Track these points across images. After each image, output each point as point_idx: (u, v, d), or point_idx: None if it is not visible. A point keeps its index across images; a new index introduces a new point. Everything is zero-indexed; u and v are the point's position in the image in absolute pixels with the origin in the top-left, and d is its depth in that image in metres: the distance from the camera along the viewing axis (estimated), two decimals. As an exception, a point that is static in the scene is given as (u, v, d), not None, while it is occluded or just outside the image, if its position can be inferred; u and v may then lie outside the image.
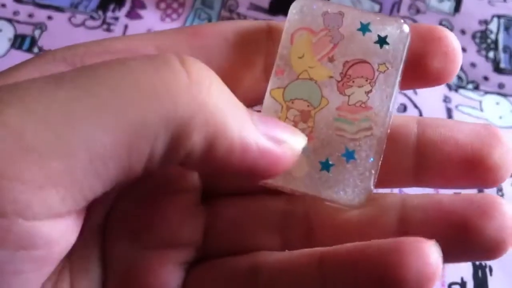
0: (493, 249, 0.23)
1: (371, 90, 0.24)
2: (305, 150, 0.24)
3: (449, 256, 0.23)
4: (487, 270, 0.48)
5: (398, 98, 0.59)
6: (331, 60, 0.25)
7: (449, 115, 0.58)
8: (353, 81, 0.24)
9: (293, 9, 0.25)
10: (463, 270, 0.48)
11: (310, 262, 0.24)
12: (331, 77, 0.24)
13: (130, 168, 0.19)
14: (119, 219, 0.26)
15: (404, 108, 0.58)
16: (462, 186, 0.25)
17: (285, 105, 0.24)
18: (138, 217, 0.26)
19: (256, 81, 0.26)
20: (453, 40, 0.24)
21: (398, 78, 0.24)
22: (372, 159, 0.24)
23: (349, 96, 0.24)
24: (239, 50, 0.25)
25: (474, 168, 0.24)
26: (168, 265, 0.26)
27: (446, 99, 0.59)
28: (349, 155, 0.24)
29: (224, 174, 0.23)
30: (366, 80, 0.24)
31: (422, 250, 0.22)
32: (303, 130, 0.24)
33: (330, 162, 0.24)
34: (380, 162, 0.24)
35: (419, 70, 0.24)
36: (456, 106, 0.59)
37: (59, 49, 0.23)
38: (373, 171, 0.24)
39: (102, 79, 0.19)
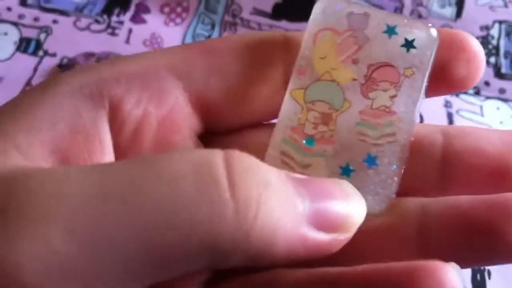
0: None
1: (396, 95, 0.23)
2: (324, 154, 0.23)
3: (470, 258, 0.22)
4: (486, 273, 0.48)
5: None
6: (355, 62, 0.24)
7: (450, 120, 0.58)
8: (378, 85, 0.23)
9: (316, 9, 0.24)
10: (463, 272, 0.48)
11: (326, 283, 0.24)
12: (354, 79, 0.24)
13: (162, 279, 0.19)
14: None
15: (405, 113, 0.58)
16: None
17: (306, 107, 0.23)
18: None
19: (275, 95, 0.25)
20: (476, 46, 0.24)
21: (425, 84, 0.23)
22: (395, 166, 0.23)
23: (372, 100, 0.23)
24: (255, 65, 0.24)
25: (501, 179, 0.23)
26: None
27: (447, 104, 0.60)
28: (371, 161, 0.23)
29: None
30: (391, 84, 0.23)
31: (439, 275, 0.20)
32: (323, 133, 0.23)
33: (351, 168, 0.23)
34: (403, 170, 0.23)
35: (442, 76, 0.24)
36: (457, 111, 0.59)
37: (72, 75, 0.23)
38: (395, 179, 0.23)
39: (147, 196, 0.18)
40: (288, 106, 0.24)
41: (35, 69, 0.58)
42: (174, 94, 0.23)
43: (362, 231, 0.24)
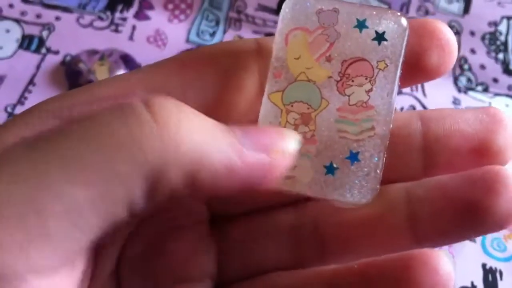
0: (503, 223, 0.23)
1: (371, 89, 0.23)
2: (308, 154, 0.23)
3: (460, 236, 0.23)
4: (497, 274, 0.47)
5: (407, 100, 0.59)
6: (328, 59, 0.24)
7: (459, 117, 0.58)
8: (353, 80, 0.23)
9: (285, 7, 0.24)
10: (473, 274, 0.47)
11: (323, 281, 0.24)
12: (330, 77, 0.24)
13: (112, 215, 0.19)
14: (131, 263, 0.26)
15: (413, 110, 0.58)
16: None
17: (285, 109, 0.24)
18: (150, 259, 0.26)
19: (252, 103, 0.25)
20: (448, 33, 0.24)
21: (398, 74, 0.23)
22: (376, 158, 0.23)
23: (349, 96, 0.24)
24: (230, 74, 0.24)
25: (481, 156, 0.24)
26: None
27: (456, 101, 0.59)
28: (353, 157, 0.23)
29: (219, 196, 0.22)
30: (366, 79, 0.23)
31: (433, 263, 0.22)
32: (305, 134, 0.24)
33: (335, 166, 0.23)
34: (384, 159, 0.24)
35: (416, 66, 0.24)
36: (466, 108, 0.58)
37: (46, 102, 0.23)
38: (378, 171, 0.23)
39: (72, 137, 0.19)
40: (267, 110, 0.24)
41: (38, 67, 0.57)
42: None
43: (353, 223, 0.25)
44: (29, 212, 0.18)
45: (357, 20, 0.24)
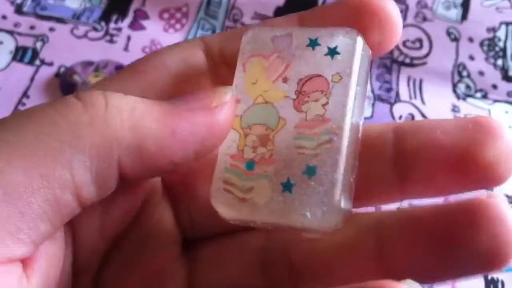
0: (485, 260, 0.20)
1: (327, 102, 0.23)
2: (266, 174, 0.23)
3: (438, 275, 0.21)
4: (499, 284, 0.47)
5: (405, 108, 0.58)
6: (285, 80, 0.24)
7: (458, 125, 0.57)
8: (309, 96, 0.23)
9: (244, 40, 0.25)
10: (475, 284, 0.47)
11: None
12: (286, 96, 0.24)
13: (59, 201, 0.20)
14: (105, 286, 0.26)
15: (412, 118, 0.57)
16: (458, 191, 0.23)
17: (243, 133, 0.24)
18: (123, 280, 0.26)
19: None
20: (388, 7, 0.23)
21: (354, 85, 0.23)
22: (336, 172, 0.22)
23: (306, 112, 0.23)
24: (183, 77, 0.25)
25: (466, 170, 0.22)
26: None
27: (455, 109, 0.58)
28: (310, 171, 0.22)
29: (175, 162, 0.22)
30: (322, 93, 0.23)
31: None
32: (263, 154, 0.23)
33: (292, 182, 0.23)
34: (353, 177, 0.23)
35: None
36: (465, 116, 0.58)
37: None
38: (340, 186, 0.22)
39: (8, 123, 0.20)
40: (227, 136, 0.24)
41: (32, 79, 0.57)
42: None
43: (323, 252, 0.24)
44: None
45: (309, 39, 0.24)
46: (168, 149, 0.21)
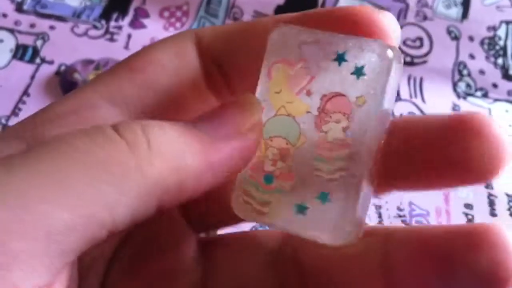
0: (484, 284, 0.21)
1: (348, 126, 0.22)
2: (283, 190, 0.23)
3: None
4: (500, 283, 0.47)
5: (406, 107, 0.58)
6: (308, 93, 0.23)
7: (458, 124, 0.57)
8: (330, 116, 0.22)
9: (270, 40, 0.23)
10: None
11: None
12: (309, 112, 0.23)
13: (95, 235, 0.19)
14: (118, 277, 0.26)
15: (412, 117, 0.57)
16: (450, 185, 0.23)
17: (264, 143, 0.23)
18: (135, 275, 0.26)
19: (203, 97, 0.25)
20: (385, 22, 0.22)
21: (378, 111, 0.22)
22: (349, 201, 0.22)
23: (326, 132, 0.22)
24: (178, 72, 0.24)
25: (447, 168, 0.22)
26: None
27: (455, 107, 0.58)
28: (324, 198, 0.22)
29: (207, 190, 0.22)
30: (344, 115, 0.22)
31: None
32: (282, 169, 0.23)
33: (306, 205, 0.22)
34: (367, 203, 0.23)
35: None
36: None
37: (10, 128, 0.23)
38: (353, 213, 0.22)
39: (50, 161, 0.19)
40: None
41: (32, 77, 0.57)
42: (111, 120, 0.23)
43: (330, 258, 0.24)
44: (12, 233, 0.18)
45: (337, 53, 0.22)
46: (205, 183, 0.21)
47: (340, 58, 0.22)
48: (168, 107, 0.24)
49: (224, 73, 0.25)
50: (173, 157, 0.20)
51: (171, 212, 0.26)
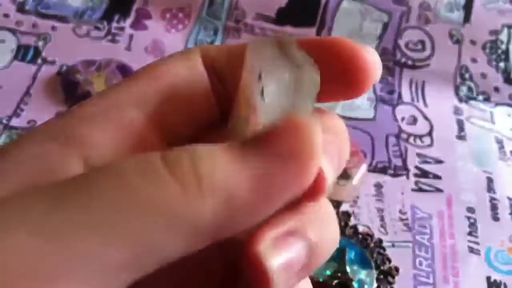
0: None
1: None
2: None
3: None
4: (502, 287, 0.47)
5: (408, 110, 0.58)
6: None
7: (460, 127, 0.57)
8: None
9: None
10: (478, 287, 0.47)
11: None
12: None
13: (144, 273, 0.19)
14: None
15: (414, 120, 0.57)
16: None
17: None
18: None
19: (212, 109, 0.25)
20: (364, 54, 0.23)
21: None
22: None
23: None
24: (190, 82, 0.25)
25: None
26: None
27: (457, 111, 0.58)
28: None
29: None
30: None
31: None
32: None
33: None
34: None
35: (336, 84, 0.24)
36: (467, 118, 0.58)
37: (37, 129, 0.23)
38: None
39: (98, 195, 0.19)
40: None
41: (34, 78, 0.56)
42: (136, 122, 0.24)
43: None
44: (67, 274, 0.18)
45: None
46: (258, 212, 0.20)
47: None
48: (182, 112, 0.24)
49: (226, 87, 0.25)
50: (226, 200, 0.19)
51: None
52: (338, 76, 0.23)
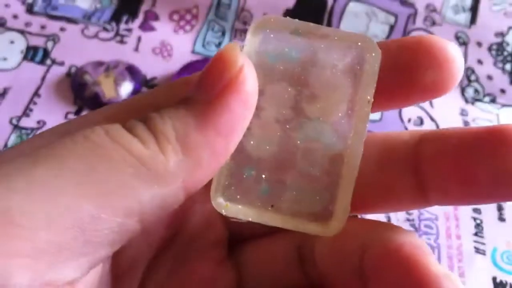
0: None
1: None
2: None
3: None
4: (508, 287, 0.47)
5: (414, 111, 0.58)
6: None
7: (466, 129, 0.57)
8: None
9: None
10: (484, 287, 0.47)
11: None
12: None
13: (125, 227, 0.20)
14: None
15: (420, 121, 0.58)
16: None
17: None
18: (171, 284, 0.26)
19: None
20: (448, 49, 0.22)
21: None
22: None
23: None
24: None
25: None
26: None
27: (463, 112, 0.59)
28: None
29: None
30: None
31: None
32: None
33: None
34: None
35: (410, 84, 0.23)
36: (473, 120, 0.58)
37: (55, 127, 0.24)
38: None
39: (75, 155, 0.20)
40: None
41: (43, 79, 0.57)
42: None
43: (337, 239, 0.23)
44: (40, 224, 0.18)
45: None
46: (220, 151, 0.21)
47: None
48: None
49: None
50: (183, 144, 0.20)
51: (210, 216, 0.27)
52: (428, 73, 0.22)
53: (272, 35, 0.23)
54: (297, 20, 0.23)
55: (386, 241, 0.22)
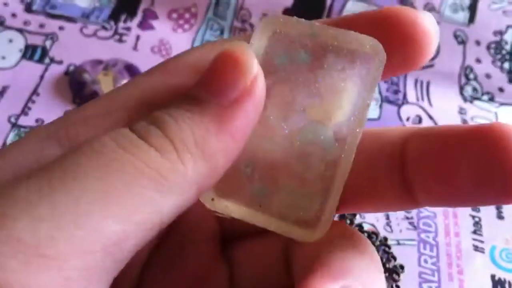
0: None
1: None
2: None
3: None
4: (507, 285, 0.47)
5: (413, 110, 0.58)
6: None
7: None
8: None
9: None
10: (483, 285, 0.47)
11: None
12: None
13: (146, 240, 0.20)
14: (151, 282, 0.26)
15: (419, 120, 0.58)
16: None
17: None
18: (168, 277, 0.26)
19: None
20: (416, 20, 0.21)
21: None
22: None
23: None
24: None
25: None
26: None
27: (462, 111, 0.59)
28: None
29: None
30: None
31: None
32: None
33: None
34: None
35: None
36: (472, 118, 0.58)
37: (43, 126, 0.24)
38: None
39: (91, 175, 0.19)
40: None
41: (42, 77, 0.57)
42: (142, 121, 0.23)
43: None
44: (70, 252, 0.18)
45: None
46: (232, 153, 0.21)
47: None
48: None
49: None
50: (200, 157, 0.20)
51: (200, 212, 0.27)
52: (398, 47, 0.21)
53: (281, 35, 0.23)
54: (305, 20, 0.22)
55: None
